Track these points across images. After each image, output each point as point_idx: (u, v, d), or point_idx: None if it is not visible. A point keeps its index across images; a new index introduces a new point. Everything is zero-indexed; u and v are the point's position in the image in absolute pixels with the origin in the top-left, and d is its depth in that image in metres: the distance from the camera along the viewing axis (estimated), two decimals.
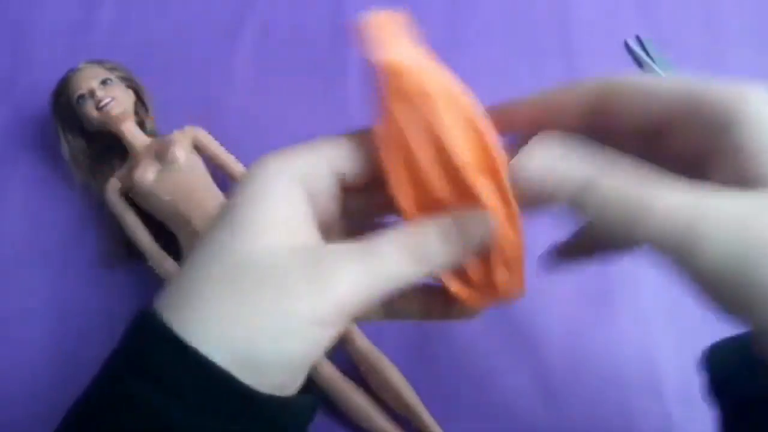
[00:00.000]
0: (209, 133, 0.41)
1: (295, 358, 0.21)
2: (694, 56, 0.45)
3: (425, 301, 0.25)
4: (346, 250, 0.21)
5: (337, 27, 0.46)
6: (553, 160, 0.21)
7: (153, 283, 0.39)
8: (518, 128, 0.26)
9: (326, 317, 0.20)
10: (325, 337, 0.21)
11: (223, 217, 0.21)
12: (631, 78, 0.23)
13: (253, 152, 0.41)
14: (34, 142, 0.44)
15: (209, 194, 0.38)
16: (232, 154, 0.41)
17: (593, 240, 0.27)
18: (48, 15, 0.47)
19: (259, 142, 0.43)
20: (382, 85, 0.23)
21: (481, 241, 0.22)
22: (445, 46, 0.45)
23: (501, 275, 0.23)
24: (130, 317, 0.21)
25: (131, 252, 0.40)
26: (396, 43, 0.23)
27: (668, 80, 0.22)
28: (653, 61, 0.44)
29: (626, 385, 0.37)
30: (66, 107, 0.41)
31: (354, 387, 0.36)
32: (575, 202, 0.21)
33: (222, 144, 0.41)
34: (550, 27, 0.46)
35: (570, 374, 0.37)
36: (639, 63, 0.45)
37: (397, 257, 0.21)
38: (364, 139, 0.24)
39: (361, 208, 0.25)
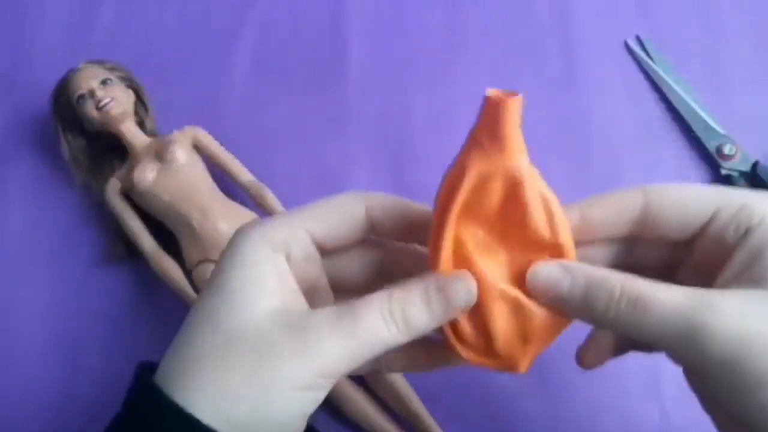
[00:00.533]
0: (209, 133, 0.41)
1: (283, 421, 0.21)
2: (695, 56, 0.45)
3: (411, 356, 0.26)
4: (329, 318, 0.22)
5: (337, 28, 0.46)
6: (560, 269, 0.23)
7: (152, 282, 0.39)
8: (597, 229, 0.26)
9: (310, 383, 0.21)
10: (310, 400, 0.22)
11: (211, 286, 0.23)
12: (670, 188, 0.24)
13: (252, 152, 0.42)
14: (34, 141, 0.44)
15: (209, 194, 0.38)
16: (231, 153, 0.41)
17: (608, 339, 0.29)
18: (48, 15, 0.47)
19: (259, 142, 0.43)
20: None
21: (464, 306, 0.23)
22: (445, 47, 0.45)
23: (508, 347, 0.24)
24: (130, 382, 0.23)
25: (131, 251, 0.40)
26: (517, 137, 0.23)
27: (705, 191, 0.24)
28: (653, 61, 0.44)
29: (626, 385, 0.37)
30: (66, 107, 0.41)
31: (355, 387, 0.36)
32: (585, 300, 0.22)
33: (222, 144, 0.41)
34: (550, 27, 0.46)
35: (569, 374, 0.37)
36: (639, 63, 0.45)
37: (380, 323, 0.22)
38: (340, 204, 0.25)
39: (346, 270, 0.26)
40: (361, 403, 0.35)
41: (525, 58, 0.45)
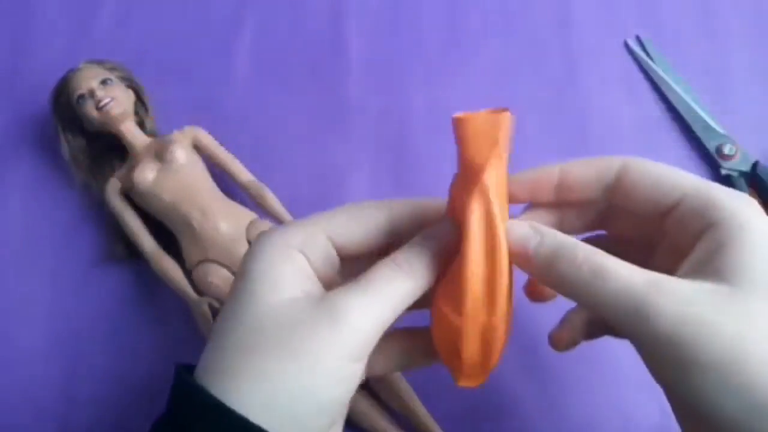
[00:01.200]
0: (209, 133, 0.41)
1: (333, 399, 0.22)
2: (695, 56, 0.45)
3: (405, 352, 0.27)
4: (349, 289, 0.23)
5: (336, 27, 0.46)
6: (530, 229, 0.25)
7: (152, 282, 0.39)
8: (542, 197, 0.28)
9: (351, 352, 0.22)
10: (355, 372, 0.23)
11: (235, 287, 0.24)
12: (647, 163, 0.25)
13: (252, 152, 0.42)
14: (34, 141, 0.44)
15: (209, 194, 0.38)
16: (231, 153, 0.41)
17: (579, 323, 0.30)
18: (48, 15, 0.47)
19: (259, 142, 0.43)
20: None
21: (448, 249, 0.24)
22: (445, 47, 0.45)
23: (470, 353, 0.25)
24: (172, 384, 0.23)
25: (131, 251, 0.40)
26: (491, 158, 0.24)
27: (679, 173, 0.25)
28: (653, 61, 0.44)
29: (626, 384, 0.37)
30: (66, 107, 0.41)
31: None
32: (546, 264, 0.24)
33: (221, 144, 0.41)
34: (550, 27, 0.46)
35: (569, 373, 0.37)
36: (639, 63, 0.45)
37: (390, 273, 0.23)
38: (361, 210, 0.26)
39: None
40: (361, 403, 0.35)
41: (525, 58, 0.45)
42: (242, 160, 0.41)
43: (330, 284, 0.25)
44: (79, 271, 0.40)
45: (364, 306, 0.22)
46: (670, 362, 0.21)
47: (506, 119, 0.23)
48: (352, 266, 0.26)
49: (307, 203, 0.41)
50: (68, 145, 0.41)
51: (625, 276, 0.22)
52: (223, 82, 0.45)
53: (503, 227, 0.24)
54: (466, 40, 0.46)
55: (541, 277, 0.24)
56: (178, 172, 0.38)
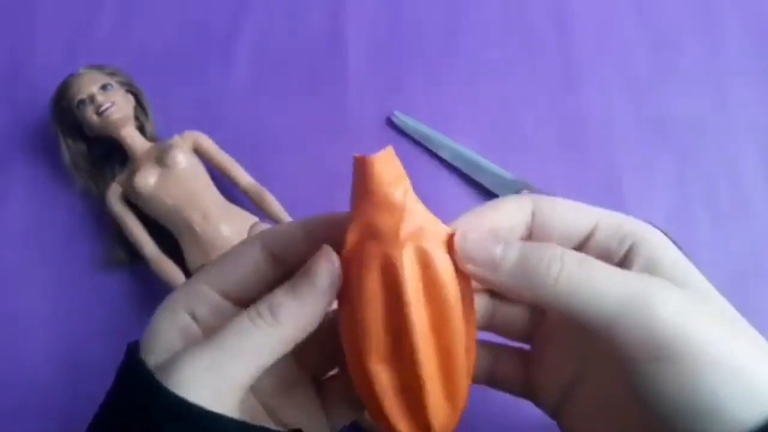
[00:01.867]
0: (209, 137, 0.41)
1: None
2: (693, 56, 0.45)
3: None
4: (195, 348, 0.21)
5: (335, 30, 0.46)
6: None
7: (154, 286, 0.39)
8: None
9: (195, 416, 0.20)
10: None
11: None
12: (560, 201, 0.24)
13: (252, 155, 0.42)
14: (35, 146, 0.44)
15: (210, 198, 0.39)
16: (232, 157, 0.41)
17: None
18: (48, 20, 0.47)
19: (259, 145, 0.43)
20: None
21: (332, 284, 0.22)
22: (444, 48, 0.45)
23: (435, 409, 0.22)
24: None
25: (132, 256, 0.40)
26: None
27: (586, 207, 0.24)
28: (413, 134, 0.43)
29: None
30: (66, 112, 0.41)
31: None
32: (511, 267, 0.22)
33: (222, 148, 0.41)
34: (548, 28, 0.46)
35: None
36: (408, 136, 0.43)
37: (245, 324, 0.22)
38: (237, 252, 0.25)
39: None
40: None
41: (525, 59, 0.45)
42: (242, 164, 0.41)
43: None
44: (80, 276, 0.40)
45: (207, 369, 0.21)
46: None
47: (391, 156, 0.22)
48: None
49: (307, 205, 0.41)
50: (69, 150, 0.41)
51: (613, 269, 0.22)
52: (222, 87, 0.45)
53: (447, 259, 0.22)
54: (465, 41, 0.46)
55: (511, 283, 0.22)
56: (179, 176, 0.38)
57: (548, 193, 0.39)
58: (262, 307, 0.22)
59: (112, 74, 0.41)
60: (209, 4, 0.48)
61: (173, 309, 0.24)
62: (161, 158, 0.38)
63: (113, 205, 0.40)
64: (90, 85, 0.40)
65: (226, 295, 0.24)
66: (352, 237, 0.22)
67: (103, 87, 0.40)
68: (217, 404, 0.21)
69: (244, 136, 0.43)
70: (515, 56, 0.45)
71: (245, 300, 0.24)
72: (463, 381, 0.23)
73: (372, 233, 0.22)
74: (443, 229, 0.23)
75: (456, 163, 0.42)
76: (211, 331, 0.23)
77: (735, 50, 0.45)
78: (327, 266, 0.22)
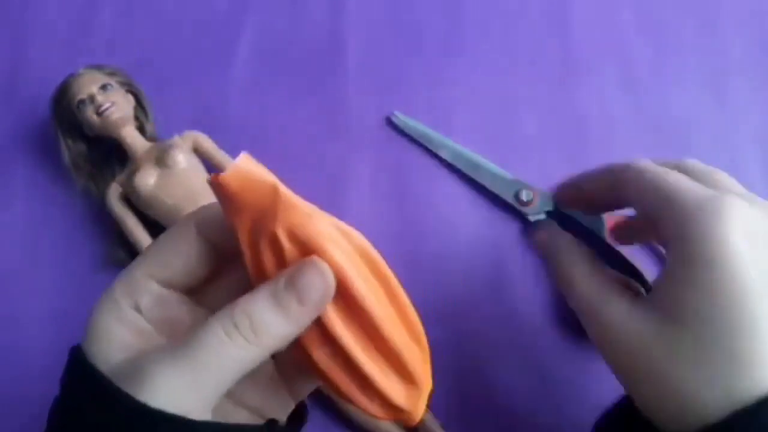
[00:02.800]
0: (209, 137, 0.41)
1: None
2: (693, 56, 0.45)
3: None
4: (162, 355, 0.20)
5: (335, 30, 0.46)
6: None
7: None
8: (583, 203, 0.33)
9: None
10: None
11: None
12: (636, 170, 0.28)
13: (252, 155, 0.42)
14: (35, 146, 0.44)
15: (210, 198, 0.38)
16: (232, 157, 0.41)
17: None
18: (47, 20, 0.47)
19: (259, 145, 0.43)
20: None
21: (323, 299, 0.20)
22: (444, 47, 0.45)
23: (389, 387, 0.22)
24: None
25: (133, 256, 0.40)
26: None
27: (655, 184, 0.26)
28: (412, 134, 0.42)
29: None
30: (66, 112, 0.41)
31: None
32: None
33: (222, 148, 0.41)
34: (548, 28, 0.46)
35: (570, 372, 0.37)
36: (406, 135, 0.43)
37: (222, 341, 0.20)
38: (172, 238, 0.23)
39: (223, 299, 0.23)
40: None
41: (524, 60, 0.45)
42: None
43: (174, 323, 0.23)
44: (81, 276, 0.40)
45: (179, 381, 0.19)
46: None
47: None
48: (209, 292, 0.24)
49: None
50: (69, 150, 0.41)
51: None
52: (222, 87, 0.45)
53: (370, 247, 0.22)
54: (465, 41, 0.46)
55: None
56: (179, 176, 0.38)
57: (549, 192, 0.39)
58: (241, 318, 0.20)
59: (112, 74, 0.41)
60: (209, 4, 0.48)
61: (116, 304, 0.22)
62: (161, 158, 0.38)
63: (113, 206, 0.40)
64: (90, 85, 0.40)
65: (167, 284, 0.23)
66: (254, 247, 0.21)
67: (103, 87, 0.40)
68: (196, 413, 0.20)
69: (244, 136, 0.43)
70: (515, 56, 0.45)
71: (187, 287, 0.23)
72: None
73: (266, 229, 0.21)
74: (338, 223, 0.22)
75: (456, 163, 0.42)
76: (161, 325, 0.22)
77: (734, 50, 0.45)
78: (317, 281, 0.20)
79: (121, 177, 0.40)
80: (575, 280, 0.28)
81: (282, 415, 0.26)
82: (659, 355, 0.23)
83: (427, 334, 0.24)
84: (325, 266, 0.20)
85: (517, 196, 0.39)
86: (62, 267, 0.41)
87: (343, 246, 0.21)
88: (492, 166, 0.41)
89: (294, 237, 0.20)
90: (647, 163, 0.28)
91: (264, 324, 0.20)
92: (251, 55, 0.46)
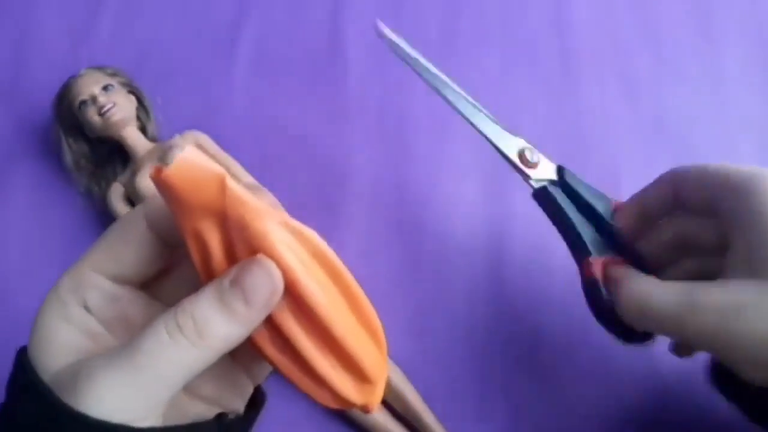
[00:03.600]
0: (210, 137, 0.41)
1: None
2: (692, 56, 0.45)
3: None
4: (104, 359, 0.19)
5: (335, 31, 0.47)
6: None
7: None
8: (648, 214, 0.33)
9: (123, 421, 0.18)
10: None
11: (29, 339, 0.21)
12: (693, 170, 0.30)
13: (253, 155, 0.42)
14: (36, 147, 0.44)
15: None
16: (232, 156, 0.41)
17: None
18: (49, 21, 0.47)
19: (260, 145, 0.43)
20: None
21: (270, 300, 0.19)
22: (443, 47, 0.46)
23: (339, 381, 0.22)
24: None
25: None
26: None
27: (715, 170, 0.29)
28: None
29: (626, 381, 0.37)
30: (68, 113, 0.41)
31: None
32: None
33: (222, 147, 0.41)
34: (548, 29, 0.46)
35: (570, 371, 0.38)
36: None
37: (164, 343, 0.19)
38: (120, 231, 0.22)
39: (179, 291, 0.22)
40: None
41: (523, 62, 0.45)
42: (243, 164, 0.41)
43: (127, 319, 0.22)
44: None
45: (119, 384, 0.18)
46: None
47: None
48: (164, 284, 0.23)
49: (308, 206, 0.41)
50: (70, 150, 0.41)
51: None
52: (223, 87, 0.45)
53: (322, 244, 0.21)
54: (464, 41, 0.46)
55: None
56: None
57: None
58: (184, 319, 0.19)
59: (113, 75, 0.41)
60: (209, 4, 0.48)
61: (62, 302, 0.21)
62: (163, 158, 0.39)
63: (115, 206, 0.40)
64: (91, 85, 0.40)
65: (116, 280, 0.22)
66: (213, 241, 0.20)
67: (105, 88, 0.40)
68: (139, 423, 0.19)
69: (244, 136, 0.43)
70: (515, 56, 0.46)
71: (138, 282, 0.22)
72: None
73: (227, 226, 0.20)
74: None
75: (456, 105, 0.35)
76: (111, 324, 0.21)
77: (733, 50, 0.45)
78: (264, 281, 0.19)
79: (122, 177, 0.40)
80: (651, 296, 0.27)
81: (240, 404, 0.25)
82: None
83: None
84: (271, 265, 0.19)
85: (521, 156, 0.34)
86: (64, 266, 0.40)
87: (291, 244, 0.20)
88: (497, 126, 0.35)
89: (240, 234, 0.20)
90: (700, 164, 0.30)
91: (209, 326, 0.19)
92: (252, 56, 0.46)
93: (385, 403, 0.36)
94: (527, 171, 0.34)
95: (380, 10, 0.47)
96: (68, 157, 0.41)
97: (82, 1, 0.48)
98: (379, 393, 0.24)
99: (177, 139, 0.40)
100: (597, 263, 0.31)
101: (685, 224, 0.31)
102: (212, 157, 0.40)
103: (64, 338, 0.20)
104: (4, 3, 0.48)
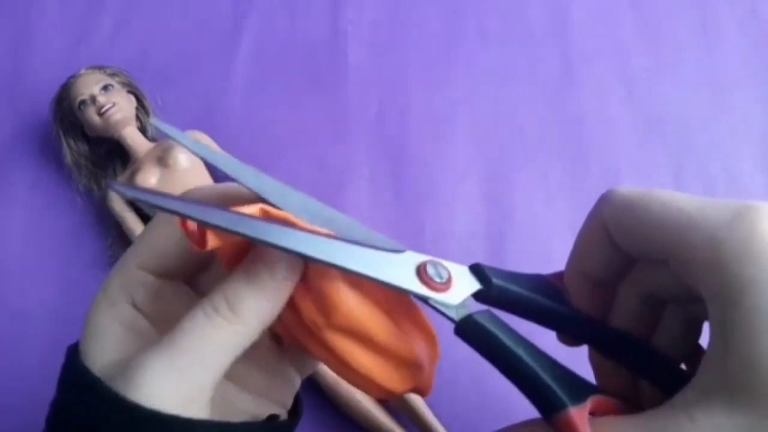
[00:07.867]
0: (210, 137, 0.41)
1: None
2: (691, 56, 0.45)
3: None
4: (153, 352, 0.19)
5: (335, 32, 0.47)
6: None
7: None
8: (598, 279, 0.24)
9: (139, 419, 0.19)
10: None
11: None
12: (625, 212, 0.22)
13: (253, 155, 0.42)
14: (36, 147, 0.44)
15: None
16: (233, 156, 0.41)
17: None
18: (49, 21, 0.47)
19: (259, 145, 0.43)
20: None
21: (294, 272, 0.20)
22: (443, 48, 0.46)
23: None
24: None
25: None
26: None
27: (662, 212, 0.21)
28: None
29: None
30: (68, 113, 0.41)
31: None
32: None
33: (222, 147, 0.41)
34: (548, 29, 0.46)
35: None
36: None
37: (203, 324, 0.19)
38: (158, 227, 0.22)
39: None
40: (364, 404, 0.35)
41: (523, 62, 0.45)
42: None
43: (174, 314, 0.21)
44: (82, 275, 0.40)
45: (168, 374, 0.19)
46: None
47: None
48: (208, 275, 0.23)
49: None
50: (70, 150, 0.41)
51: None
52: (223, 87, 0.45)
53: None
54: (464, 41, 0.46)
55: None
56: (180, 176, 0.38)
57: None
58: (219, 300, 0.20)
59: (113, 75, 0.41)
60: (209, 4, 0.48)
61: (112, 301, 0.21)
62: (163, 158, 0.39)
63: (114, 205, 0.40)
64: (91, 85, 0.40)
65: (160, 275, 0.22)
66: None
67: (105, 87, 0.40)
68: (187, 409, 0.19)
69: (244, 136, 0.43)
70: (514, 57, 0.46)
71: (180, 276, 0.23)
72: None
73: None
74: None
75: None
76: (158, 320, 0.22)
77: (733, 50, 0.45)
78: (282, 253, 0.20)
79: (122, 177, 0.40)
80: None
81: (288, 397, 0.25)
82: None
83: None
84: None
85: (421, 276, 0.22)
86: (64, 266, 0.41)
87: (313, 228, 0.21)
88: (369, 250, 0.21)
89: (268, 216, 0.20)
90: (618, 191, 0.22)
91: (241, 302, 0.20)
92: (252, 56, 0.46)
93: (386, 403, 0.36)
94: (436, 296, 0.22)
95: (380, 10, 0.47)
96: (68, 157, 0.41)
97: (83, 1, 0.48)
98: (430, 376, 0.24)
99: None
100: (580, 417, 0.21)
101: (648, 280, 0.23)
102: None
103: (112, 334, 0.21)
104: (4, 3, 0.48)
